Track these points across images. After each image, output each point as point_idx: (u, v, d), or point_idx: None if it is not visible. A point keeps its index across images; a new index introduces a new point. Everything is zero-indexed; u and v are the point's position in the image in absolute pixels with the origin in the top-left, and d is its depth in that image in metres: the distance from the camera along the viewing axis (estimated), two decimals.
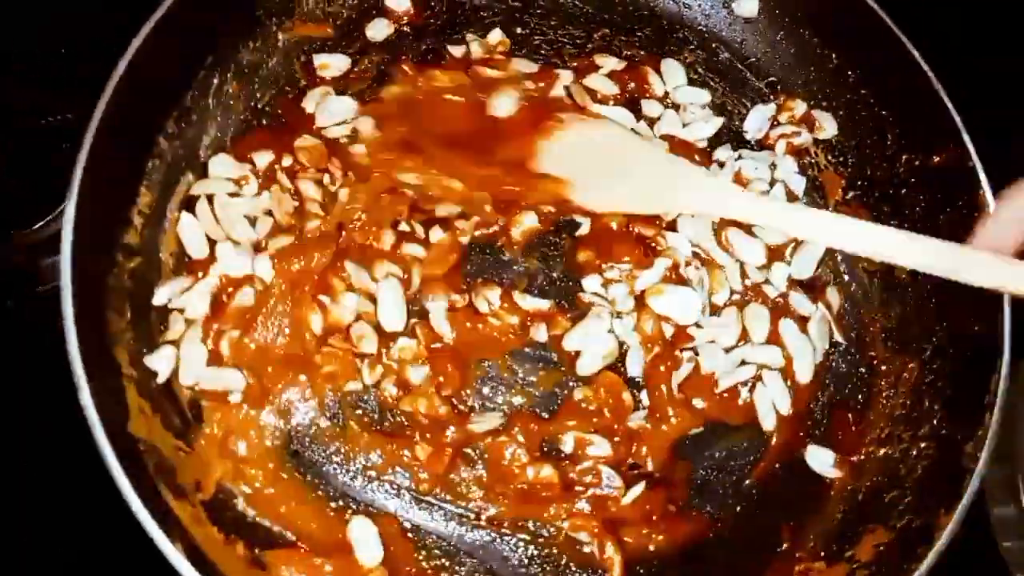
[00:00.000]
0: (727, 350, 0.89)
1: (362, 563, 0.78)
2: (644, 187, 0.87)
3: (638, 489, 0.83)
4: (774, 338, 0.90)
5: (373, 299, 0.86)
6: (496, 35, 0.99)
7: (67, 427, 0.80)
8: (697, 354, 0.89)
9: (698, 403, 0.87)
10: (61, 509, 0.86)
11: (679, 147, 0.97)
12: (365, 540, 0.79)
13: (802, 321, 0.92)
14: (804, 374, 0.90)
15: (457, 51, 0.98)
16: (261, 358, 0.82)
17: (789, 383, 0.89)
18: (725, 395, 0.88)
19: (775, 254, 0.94)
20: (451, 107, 0.95)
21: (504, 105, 0.93)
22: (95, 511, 0.81)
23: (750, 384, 0.89)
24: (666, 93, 1.01)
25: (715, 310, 0.91)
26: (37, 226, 0.91)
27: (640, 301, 0.89)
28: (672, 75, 1.01)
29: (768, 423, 0.88)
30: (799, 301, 0.92)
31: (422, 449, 0.82)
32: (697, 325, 0.89)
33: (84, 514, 0.85)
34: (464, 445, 0.84)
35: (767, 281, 0.93)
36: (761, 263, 0.93)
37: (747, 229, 0.93)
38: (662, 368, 0.87)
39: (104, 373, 0.75)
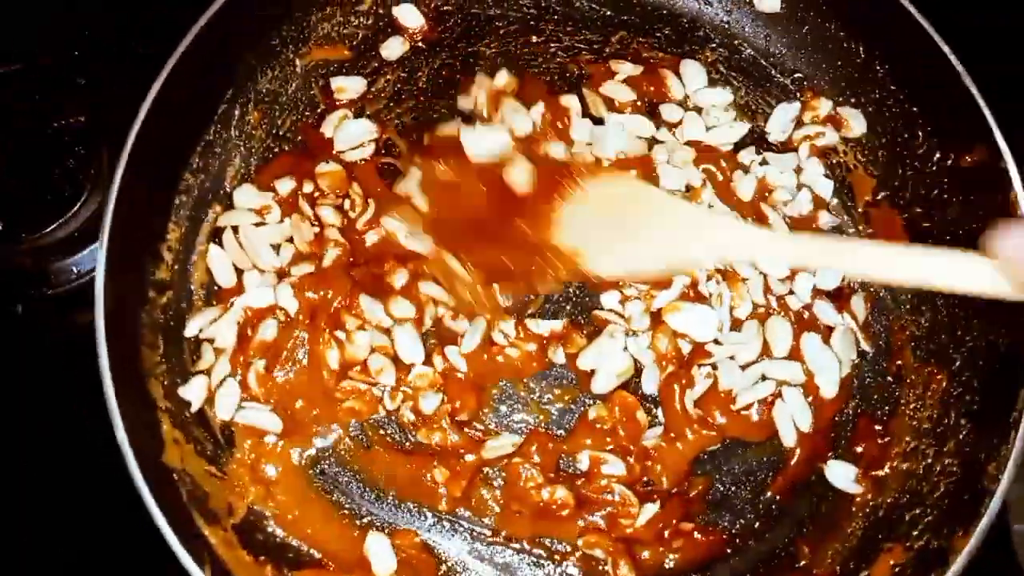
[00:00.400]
0: (745, 366, 0.88)
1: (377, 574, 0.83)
2: (663, 242, 0.87)
3: (652, 509, 0.84)
4: (795, 353, 0.89)
5: (388, 331, 0.88)
6: (503, 77, 0.97)
7: (75, 426, 0.89)
8: (715, 369, 0.88)
9: (716, 420, 0.87)
10: (62, 499, 0.89)
11: (704, 152, 0.96)
12: (379, 553, 0.83)
13: (826, 332, 0.90)
14: (829, 389, 0.88)
15: (465, 103, 0.97)
16: (287, 395, 0.86)
17: (811, 399, 0.88)
18: (743, 412, 0.87)
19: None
20: (469, 189, 0.92)
21: (519, 175, 0.89)
22: (99, 504, 0.87)
23: (770, 400, 0.88)
24: (686, 96, 0.99)
25: (736, 325, 0.90)
26: (47, 229, 0.94)
27: (656, 318, 0.89)
28: (692, 77, 0.99)
29: (789, 440, 0.87)
30: (824, 311, 0.90)
31: (441, 472, 0.85)
32: (716, 342, 0.88)
33: (88, 508, 0.89)
34: (481, 468, 0.86)
35: (791, 292, 0.91)
36: (784, 275, 0.90)
37: None
38: (676, 386, 0.87)
39: (139, 409, 0.80)
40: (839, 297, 0.91)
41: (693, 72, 0.99)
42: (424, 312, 0.89)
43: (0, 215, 0.94)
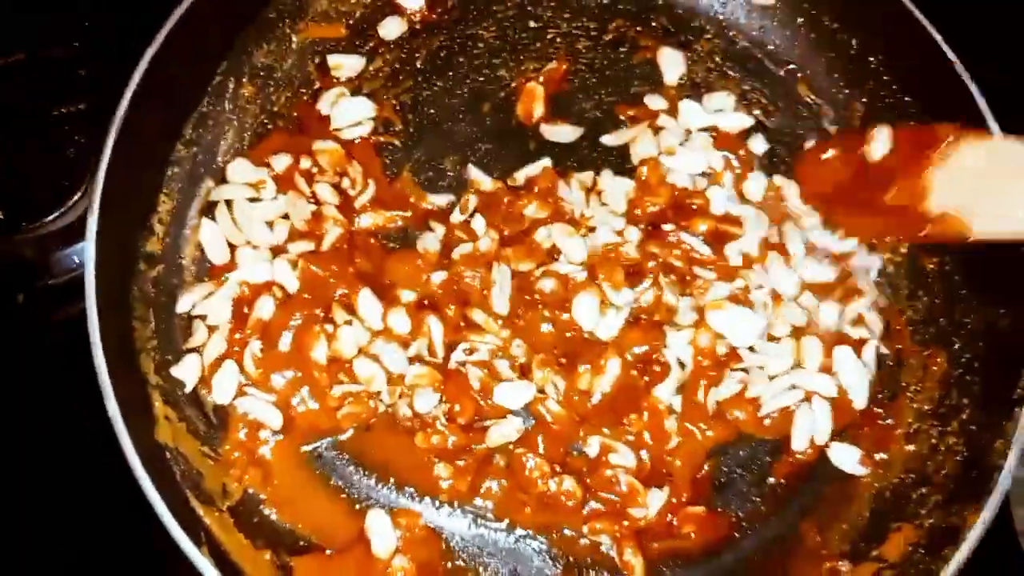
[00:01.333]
0: (773, 377, 0.86)
1: (378, 555, 0.79)
2: None
3: (660, 495, 0.82)
4: (827, 367, 0.87)
5: (377, 335, 0.84)
6: (487, 183, 0.93)
7: (73, 417, 0.85)
8: (747, 372, 0.86)
9: (733, 416, 0.85)
10: (70, 498, 0.86)
11: (722, 139, 0.96)
12: (380, 532, 0.79)
13: (858, 345, 0.88)
14: (860, 400, 0.86)
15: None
16: (284, 392, 0.82)
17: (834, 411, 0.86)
18: (763, 415, 0.85)
19: (823, 291, 0.90)
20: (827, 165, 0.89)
21: (881, 144, 0.83)
22: (98, 490, 0.84)
23: (792, 408, 0.85)
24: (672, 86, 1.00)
25: (772, 339, 0.87)
26: (48, 219, 0.91)
27: (702, 315, 0.86)
28: (671, 66, 1.00)
29: (799, 444, 0.85)
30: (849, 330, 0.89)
31: (445, 468, 0.82)
32: (751, 349, 0.86)
33: (95, 503, 0.86)
34: (487, 459, 0.83)
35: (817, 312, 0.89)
36: (793, 294, 0.88)
37: (787, 258, 0.90)
38: (703, 380, 0.85)
39: (130, 384, 0.76)
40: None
41: (673, 61, 1.00)
42: (416, 336, 0.85)
43: (1, 204, 0.91)
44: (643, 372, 0.86)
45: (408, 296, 0.86)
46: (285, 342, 0.83)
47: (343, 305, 0.85)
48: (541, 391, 0.85)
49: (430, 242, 0.89)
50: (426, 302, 0.87)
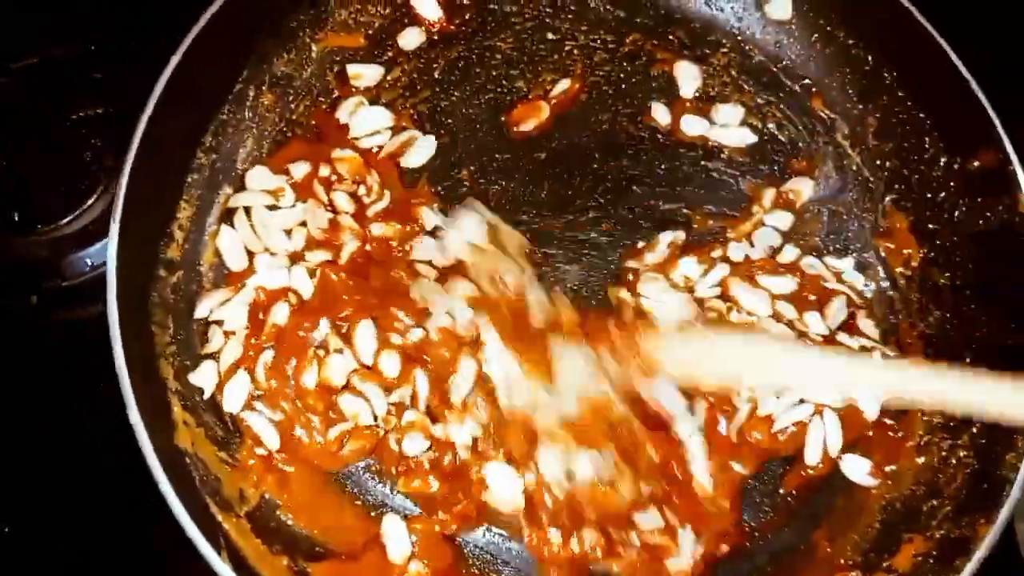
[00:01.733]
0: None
1: (393, 560, 0.79)
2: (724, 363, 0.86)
3: (690, 538, 0.82)
4: None
5: (366, 369, 0.84)
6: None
7: (86, 419, 0.87)
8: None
9: (755, 440, 0.85)
10: (73, 498, 0.87)
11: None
12: (395, 536, 0.80)
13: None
14: (872, 409, 0.85)
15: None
16: (288, 417, 0.82)
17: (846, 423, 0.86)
18: (779, 432, 0.86)
19: (797, 301, 0.90)
20: None
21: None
22: (110, 494, 0.85)
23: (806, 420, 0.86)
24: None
25: None
26: (63, 221, 0.92)
27: None
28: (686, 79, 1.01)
29: (812, 458, 0.85)
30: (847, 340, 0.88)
31: (443, 513, 0.81)
32: None
33: (97, 504, 0.87)
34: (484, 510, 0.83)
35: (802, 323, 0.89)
36: (768, 313, 0.89)
37: (751, 280, 0.90)
38: (722, 417, 0.85)
39: (149, 389, 0.76)
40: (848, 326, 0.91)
41: (689, 74, 1.01)
42: (402, 383, 0.83)
43: (16, 206, 0.93)
44: None
45: (397, 339, 0.85)
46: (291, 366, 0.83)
47: (339, 332, 0.84)
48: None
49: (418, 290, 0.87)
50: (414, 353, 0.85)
